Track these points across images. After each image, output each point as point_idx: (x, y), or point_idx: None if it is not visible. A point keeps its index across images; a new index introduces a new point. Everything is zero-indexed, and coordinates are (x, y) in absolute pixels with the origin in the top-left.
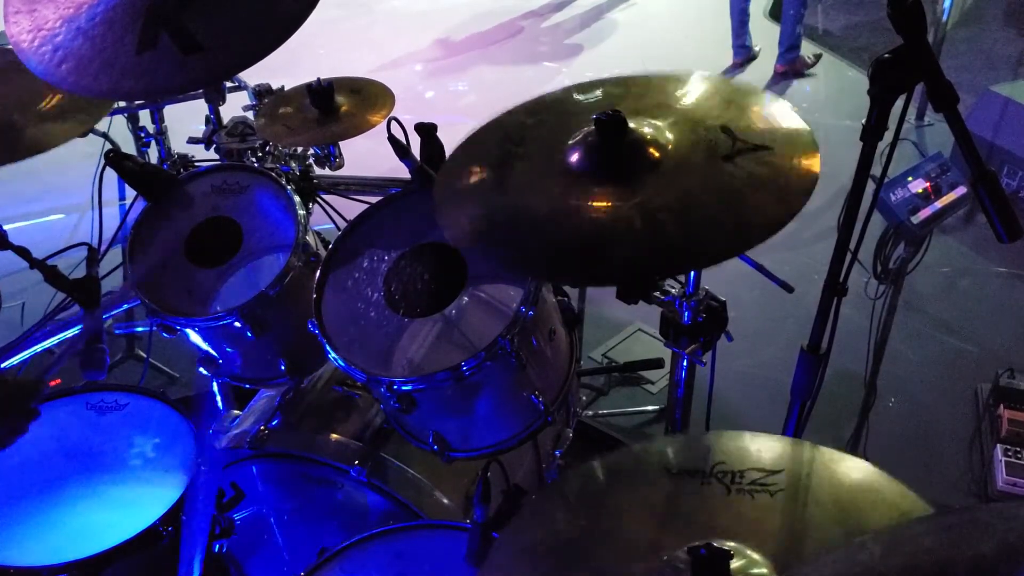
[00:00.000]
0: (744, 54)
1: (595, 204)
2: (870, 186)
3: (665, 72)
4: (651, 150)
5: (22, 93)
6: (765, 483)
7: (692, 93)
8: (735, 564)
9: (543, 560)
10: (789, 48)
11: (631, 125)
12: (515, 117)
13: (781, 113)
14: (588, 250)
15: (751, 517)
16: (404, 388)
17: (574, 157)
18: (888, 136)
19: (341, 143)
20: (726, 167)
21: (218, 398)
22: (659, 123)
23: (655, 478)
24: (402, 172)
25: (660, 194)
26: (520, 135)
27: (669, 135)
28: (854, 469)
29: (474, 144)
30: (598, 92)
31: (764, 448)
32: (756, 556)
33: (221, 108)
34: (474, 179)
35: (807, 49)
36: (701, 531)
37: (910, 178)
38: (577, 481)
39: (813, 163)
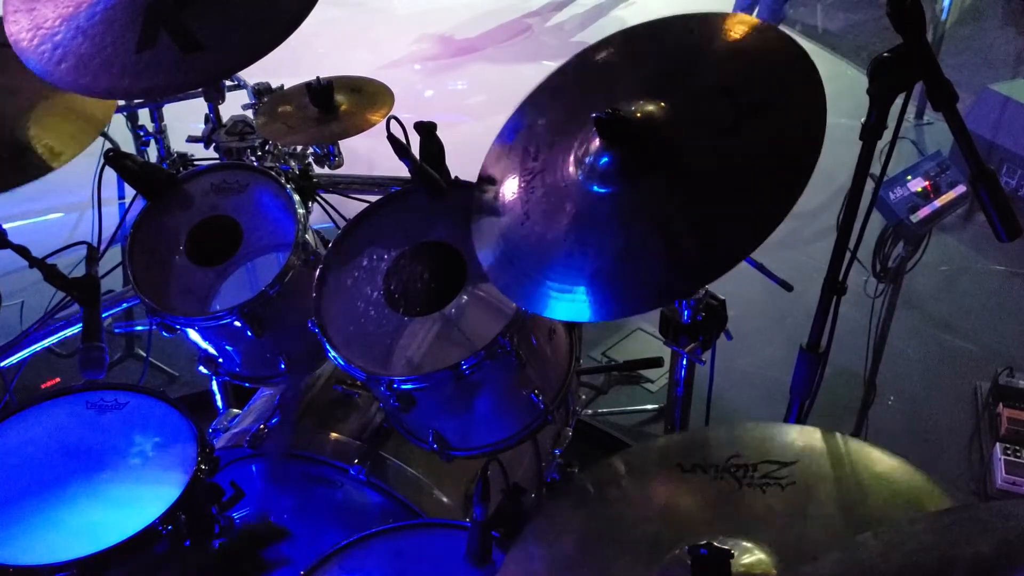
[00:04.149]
0: None
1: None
2: (869, 185)
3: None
4: (653, 145)
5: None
6: (778, 476)
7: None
8: (745, 560)
9: (551, 560)
10: None
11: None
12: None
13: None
14: (610, 279)
15: (761, 512)
16: (404, 387)
17: (576, 168)
18: (887, 135)
19: (341, 142)
20: (732, 142)
21: (218, 397)
22: (658, 106)
23: (667, 474)
24: (402, 171)
25: (670, 199)
26: (536, 148)
27: (669, 119)
28: (875, 460)
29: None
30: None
31: (780, 438)
32: (762, 555)
33: (220, 107)
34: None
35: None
36: (708, 528)
37: (909, 177)
38: (589, 481)
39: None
